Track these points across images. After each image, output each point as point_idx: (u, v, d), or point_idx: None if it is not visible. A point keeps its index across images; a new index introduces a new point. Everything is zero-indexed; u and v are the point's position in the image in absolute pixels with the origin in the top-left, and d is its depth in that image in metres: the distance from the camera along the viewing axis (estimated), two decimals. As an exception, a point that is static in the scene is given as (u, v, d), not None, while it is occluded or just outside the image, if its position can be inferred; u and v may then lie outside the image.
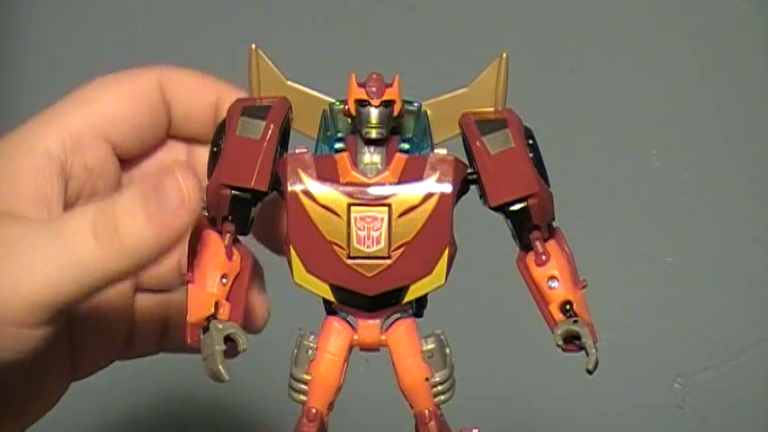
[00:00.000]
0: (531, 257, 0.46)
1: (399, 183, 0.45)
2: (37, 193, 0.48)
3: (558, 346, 0.45)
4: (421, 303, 0.47)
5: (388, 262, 0.45)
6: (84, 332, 0.52)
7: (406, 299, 0.46)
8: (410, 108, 0.46)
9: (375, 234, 0.44)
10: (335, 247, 0.45)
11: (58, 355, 0.51)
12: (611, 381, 0.89)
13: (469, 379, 0.89)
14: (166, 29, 0.94)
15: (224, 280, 0.46)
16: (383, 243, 0.44)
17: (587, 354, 0.45)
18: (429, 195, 0.45)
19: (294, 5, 0.94)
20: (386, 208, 0.44)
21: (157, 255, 0.45)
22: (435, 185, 0.45)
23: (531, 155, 0.46)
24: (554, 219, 0.47)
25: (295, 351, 0.47)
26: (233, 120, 0.46)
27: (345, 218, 0.45)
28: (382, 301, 0.45)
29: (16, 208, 0.46)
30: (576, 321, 0.45)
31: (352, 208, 0.45)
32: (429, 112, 0.47)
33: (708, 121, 0.90)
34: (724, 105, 0.90)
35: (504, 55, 0.47)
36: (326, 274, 0.45)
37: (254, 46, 0.48)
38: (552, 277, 0.46)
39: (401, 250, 0.45)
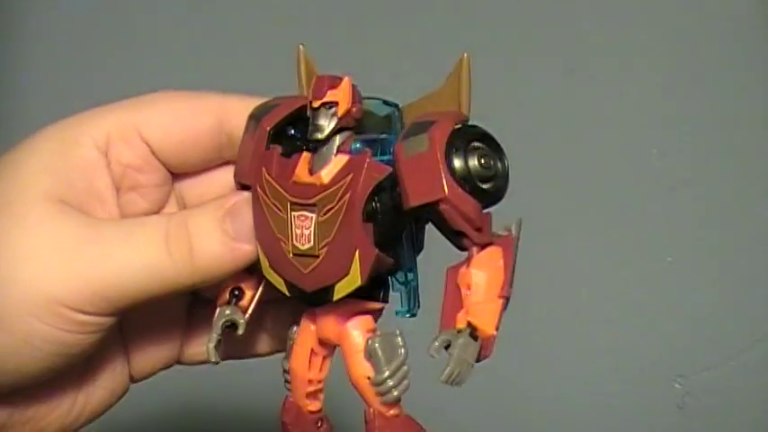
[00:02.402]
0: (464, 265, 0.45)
1: (331, 183, 0.45)
2: (90, 187, 0.49)
3: (432, 356, 0.44)
4: (385, 289, 0.47)
5: (318, 261, 0.45)
6: (136, 333, 0.53)
7: (335, 297, 0.46)
8: (387, 109, 0.47)
9: (306, 232, 0.45)
10: (282, 243, 0.46)
11: (111, 352, 0.52)
12: (611, 381, 0.89)
13: (470, 379, 0.89)
14: (164, 29, 0.94)
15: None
16: (312, 242, 0.45)
17: (448, 363, 0.43)
18: (342, 196, 0.45)
19: (290, 6, 0.93)
20: (314, 207, 0.45)
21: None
22: (347, 187, 0.45)
23: (457, 158, 0.44)
24: (482, 228, 0.45)
25: (288, 343, 0.49)
26: (248, 121, 0.48)
27: (288, 216, 0.46)
28: (319, 297, 0.46)
29: (75, 200, 0.48)
30: (460, 332, 0.44)
31: (292, 206, 0.46)
32: (405, 114, 0.48)
33: (708, 121, 0.90)
34: (724, 105, 0.90)
35: (465, 55, 0.46)
36: (278, 268, 0.46)
37: (301, 47, 0.49)
38: (470, 284, 0.44)
39: (325, 249, 0.45)
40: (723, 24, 0.91)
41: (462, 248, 0.45)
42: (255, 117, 0.48)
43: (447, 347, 0.44)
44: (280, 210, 0.46)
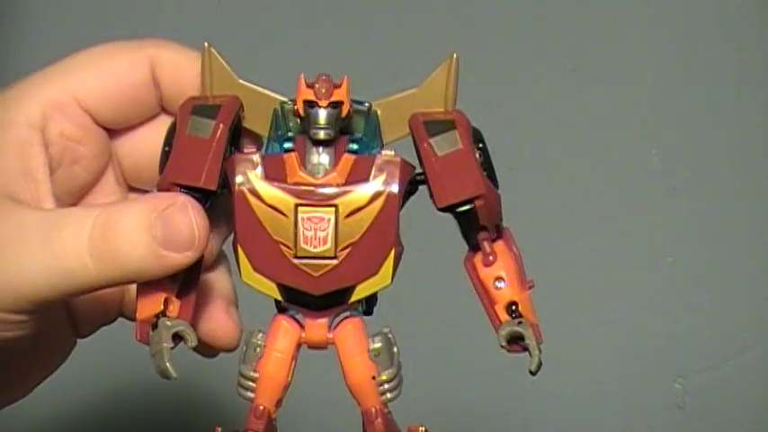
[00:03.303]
0: (478, 258, 0.47)
1: (346, 183, 0.45)
2: (23, 167, 0.47)
3: (502, 347, 0.46)
4: (371, 302, 0.47)
5: (335, 262, 0.45)
6: (78, 305, 0.52)
7: (353, 298, 0.46)
8: (360, 108, 0.47)
9: (322, 234, 0.45)
10: (282, 247, 0.45)
11: (55, 325, 0.52)
12: (611, 381, 0.89)
13: (470, 379, 0.89)
14: (164, 29, 0.94)
15: (174, 278, 0.46)
16: (330, 243, 0.45)
17: (530, 355, 0.45)
18: (376, 196, 0.45)
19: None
20: (333, 208, 0.45)
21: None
22: (382, 186, 0.45)
23: (480, 157, 0.46)
24: (501, 220, 0.47)
25: (244, 349, 0.47)
26: (183, 119, 0.46)
27: (292, 218, 0.45)
28: (329, 300, 0.46)
29: (6, 186, 0.47)
30: (520, 323, 0.46)
31: (300, 208, 0.45)
32: (379, 112, 0.47)
33: (708, 121, 0.90)
34: (724, 105, 0.90)
35: (455, 56, 0.47)
36: (273, 272, 0.46)
37: (206, 44, 0.48)
38: (499, 278, 0.46)
39: (347, 250, 0.45)
40: (723, 24, 0.91)
41: (474, 243, 0.47)
42: (197, 114, 0.46)
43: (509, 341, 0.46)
44: (281, 212, 0.45)
